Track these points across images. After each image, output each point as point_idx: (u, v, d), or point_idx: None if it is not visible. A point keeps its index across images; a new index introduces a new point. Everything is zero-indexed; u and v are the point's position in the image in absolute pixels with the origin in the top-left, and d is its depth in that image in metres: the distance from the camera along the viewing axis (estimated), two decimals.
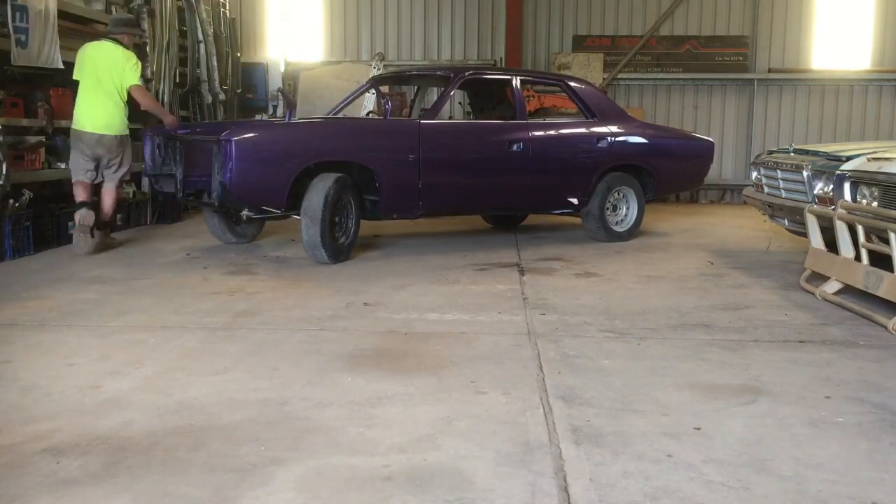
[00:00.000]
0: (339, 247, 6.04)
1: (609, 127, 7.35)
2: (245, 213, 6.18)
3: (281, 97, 6.95)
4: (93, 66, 6.49)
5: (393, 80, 8.21)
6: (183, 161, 6.19)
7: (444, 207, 6.88)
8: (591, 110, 7.41)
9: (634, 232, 7.63)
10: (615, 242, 7.35)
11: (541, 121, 7.57)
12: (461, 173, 6.69)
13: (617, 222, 7.51)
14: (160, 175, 6.52)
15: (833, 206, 4.93)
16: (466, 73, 7.10)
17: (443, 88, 7.22)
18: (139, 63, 6.68)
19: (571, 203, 7.28)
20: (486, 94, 8.36)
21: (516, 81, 7.16)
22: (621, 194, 7.49)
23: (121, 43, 6.62)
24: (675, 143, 7.96)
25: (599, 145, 7.25)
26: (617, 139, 7.34)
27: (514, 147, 6.79)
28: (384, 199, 6.22)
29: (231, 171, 5.55)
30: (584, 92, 7.49)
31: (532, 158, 6.88)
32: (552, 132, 7.15)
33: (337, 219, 5.98)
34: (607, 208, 7.39)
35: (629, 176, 7.47)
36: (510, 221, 8.56)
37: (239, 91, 11.56)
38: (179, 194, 6.30)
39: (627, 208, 7.54)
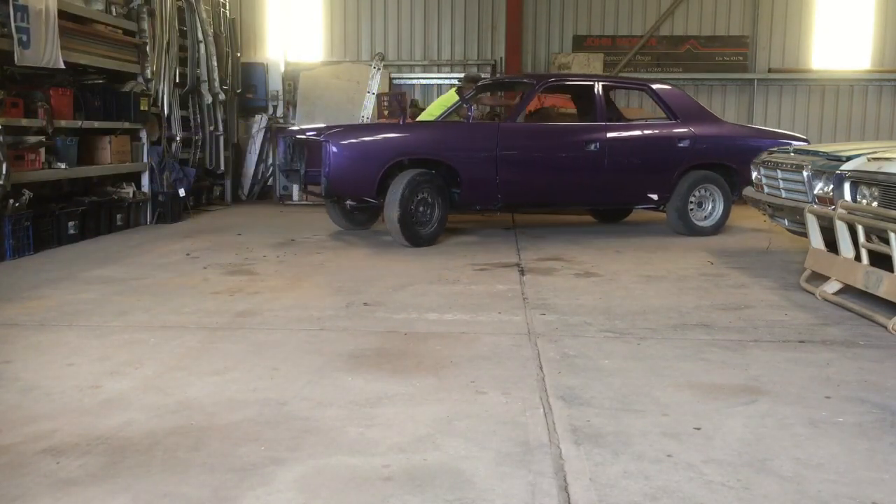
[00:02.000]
0: (418, 233, 6.88)
1: (690, 128, 7.77)
2: (348, 202, 7.44)
3: (395, 103, 8.30)
4: None
5: (491, 87, 8.96)
6: (304, 159, 7.27)
7: (521, 201, 7.56)
8: (673, 112, 7.85)
9: (720, 228, 7.96)
10: (694, 237, 7.70)
11: (619, 123, 8.01)
12: (537, 171, 7.34)
13: (703, 218, 7.90)
14: (289, 170, 7.71)
15: (833, 206, 4.93)
16: (549, 80, 7.84)
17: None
18: None
19: (651, 199, 7.77)
20: (578, 98, 8.94)
21: (597, 87, 7.76)
22: (706, 191, 7.87)
23: None
24: (761, 142, 8.01)
25: (679, 145, 7.69)
26: (698, 139, 7.72)
27: (591, 147, 7.38)
28: (465, 192, 7.06)
29: (329, 167, 6.63)
30: (666, 95, 7.94)
31: (608, 158, 7.44)
32: (628, 133, 7.67)
33: (421, 209, 6.87)
34: (691, 204, 7.81)
35: (715, 174, 7.85)
36: (613, 216, 9.10)
37: (239, 91, 11.57)
38: (302, 185, 7.67)
39: (713, 205, 7.91)
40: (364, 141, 6.91)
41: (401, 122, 7.50)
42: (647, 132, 7.76)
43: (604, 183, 7.51)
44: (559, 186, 7.47)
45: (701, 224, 7.86)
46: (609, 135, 7.48)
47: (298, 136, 7.42)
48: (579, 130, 7.56)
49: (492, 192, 7.17)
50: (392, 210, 6.71)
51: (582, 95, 8.58)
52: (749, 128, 9.05)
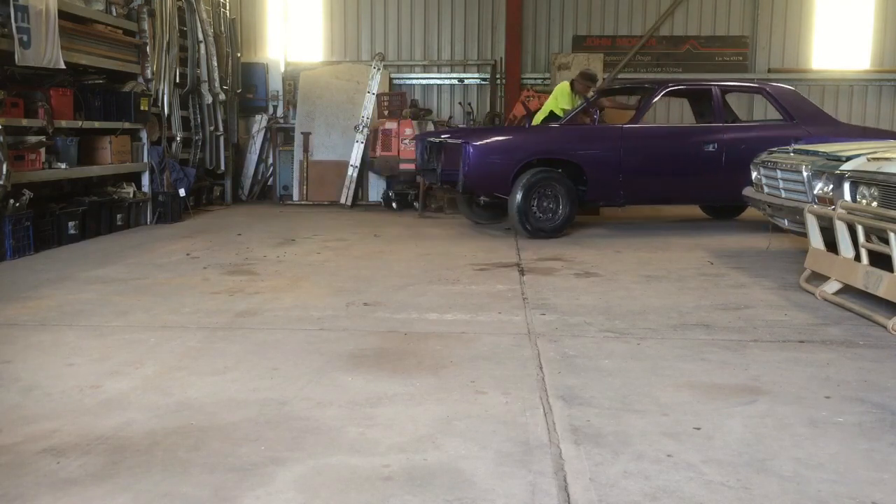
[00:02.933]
0: (539, 225, 7.48)
1: (806, 129, 7.93)
2: (481, 198, 8.22)
3: (522, 107, 8.87)
4: None
5: (616, 91, 9.46)
6: (440, 159, 7.99)
7: (643, 198, 8.12)
8: (789, 113, 8.11)
9: None
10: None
11: (737, 124, 8.43)
12: (657, 169, 7.86)
13: None
14: (426, 169, 8.49)
15: (833, 206, 4.93)
16: (669, 85, 8.32)
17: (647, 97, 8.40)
18: None
19: None
20: (695, 101, 9.37)
21: (714, 90, 8.23)
22: None
23: None
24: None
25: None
26: (813, 140, 7.73)
27: (709, 147, 7.81)
28: (590, 189, 7.67)
29: (468, 166, 7.35)
30: (783, 97, 8.21)
31: (725, 157, 7.82)
32: (745, 134, 7.99)
33: (545, 203, 7.47)
34: None
35: None
36: (727, 213, 9.26)
37: (239, 91, 11.57)
38: (438, 183, 8.23)
39: None
40: (499, 143, 7.74)
41: (527, 125, 8.18)
42: (762, 133, 7.99)
43: (720, 181, 7.84)
44: (678, 184, 7.93)
45: None
46: (726, 136, 7.89)
47: (436, 140, 8.22)
48: (698, 131, 8.05)
49: (615, 189, 7.74)
50: (516, 204, 7.39)
51: (699, 98, 9.04)
52: (864, 128, 9.25)
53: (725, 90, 8.50)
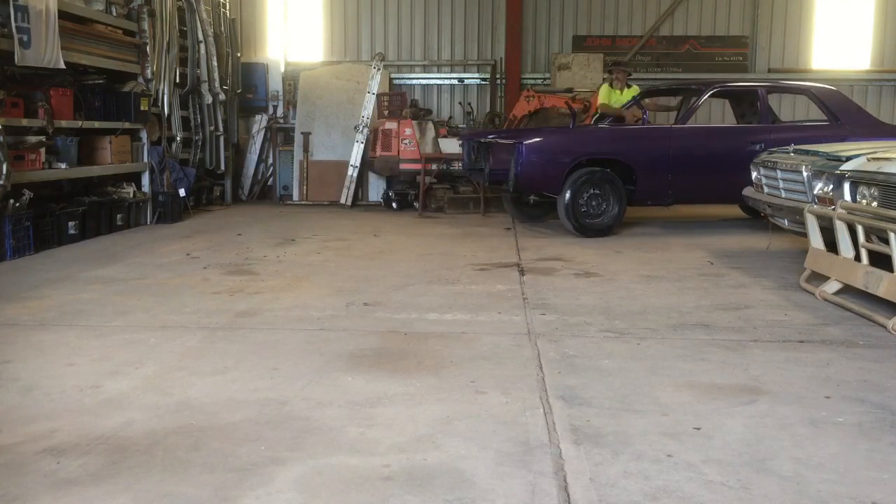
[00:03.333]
0: (587, 224, 7.63)
1: (850, 129, 7.94)
2: (531, 197, 8.44)
3: (568, 108, 9.00)
4: None
5: (660, 93, 9.54)
6: (488, 158, 8.21)
7: (690, 197, 8.22)
8: (835, 115, 8.15)
9: None
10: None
11: (782, 125, 8.57)
12: (705, 169, 7.93)
13: None
14: (473, 169, 8.72)
15: (833, 206, 4.93)
16: (717, 86, 8.41)
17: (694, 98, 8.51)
18: None
19: None
20: (738, 102, 9.48)
21: (760, 91, 8.39)
22: None
23: None
24: None
25: None
26: (857, 140, 7.92)
27: (756, 147, 7.73)
28: (639, 189, 7.79)
29: (521, 165, 7.48)
30: (827, 98, 8.27)
31: None
32: (790, 135, 7.80)
33: (594, 203, 7.63)
34: None
35: None
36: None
37: (239, 91, 11.56)
38: (486, 182, 8.52)
39: None
40: (552, 142, 7.83)
41: (571, 126, 8.41)
42: (808, 133, 7.96)
43: None
44: (725, 183, 7.84)
45: None
46: (773, 136, 7.89)
47: (484, 140, 8.42)
48: (746, 131, 8.14)
49: (664, 188, 7.87)
50: (565, 203, 7.57)
51: (740, 99, 9.17)
52: None
53: (770, 91, 8.60)
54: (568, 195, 7.54)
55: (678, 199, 8.09)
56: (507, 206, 9.13)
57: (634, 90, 9.17)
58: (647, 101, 9.24)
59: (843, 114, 8.15)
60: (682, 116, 8.39)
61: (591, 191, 7.61)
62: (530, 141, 7.64)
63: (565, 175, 7.58)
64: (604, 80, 9.41)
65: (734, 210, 9.38)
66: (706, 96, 8.22)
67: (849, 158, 5.13)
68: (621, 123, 8.63)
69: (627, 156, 7.75)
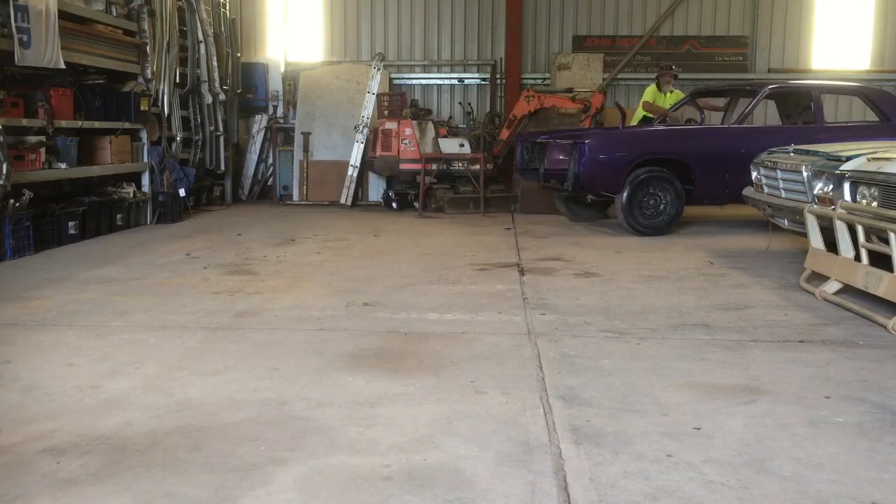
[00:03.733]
0: (646, 223, 7.75)
1: None
2: (589, 196, 8.40)
3: (618, 109, 9.25)
4: None
5: (711, 93, 9.60)
6: (543, 158, 8.33)
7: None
8: (885, 114, 8.24)
9: None
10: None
11: (836, 125, 8.71)
12: None
13: None
14: (526, 169, 8.88)
15: (833, 206, 4.93)
16: (771, 87, 8.49)
17: (750, 99, 8.53)
18: None
19: None
20: (792, 102, 9.43)
21: (815, 91, 8.38)
22: None
23: None
24: None
25: None
26: None
27: None
28: (697, 188, 7.91)
29: (583, 165, 7.61)
30: (879, 99, 8.38)
31: None
32: (846, 136, 7.87)
33: (651, 202, 7.76)
34: None
35: None
36: None
37: (239, 91, 11.56)
38: (541, 182, 8.58)
39: None
40: (614, 142, 7.98)
41: (621, 128, 8.55)
42: (861, 133, 8.05)
43: None
44: None
45: None
46: (829, 136, 7.83)
47: (539, 140, 8.55)
48: (803, 132, 8.03)
49: (721, 188, 7.92)
50: (623, 202, 7.70)
51: (789, 99, 9.19)
52: None
53: (823, 91, 8.65)
54: (626, 194, 7.67)
55: (734, 199, 8.02)
56: (558, 206, 9.31)
57: (678, 95, 9.38)
58: (699, 100, 9.31)
59: (894, 113, 8.23)
60: (739, 117, 8.47)
61: (649, 190, 7.74)
62: (592, 141, 7.78)
63: (625, 174, 7.69)
64: (657, 82, 9.60)
65: (735, 210, 9.38)
66: (761, 97, 8.27)
67: (849, 158, 5.13)
68: (670, 124, 8.77)
69: (686, 155, 7.85)
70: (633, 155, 7.77)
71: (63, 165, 7.16)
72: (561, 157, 8.10)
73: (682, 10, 12.24)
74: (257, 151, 11.98)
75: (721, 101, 9.68)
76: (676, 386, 3.24)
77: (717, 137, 8.09)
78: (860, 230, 4.60)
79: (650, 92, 9.51)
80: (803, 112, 9.12)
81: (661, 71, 9.65)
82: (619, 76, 12.22)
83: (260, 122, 12.00)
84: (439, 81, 12.42)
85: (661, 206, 7.80)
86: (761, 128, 9.19)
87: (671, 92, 9.48)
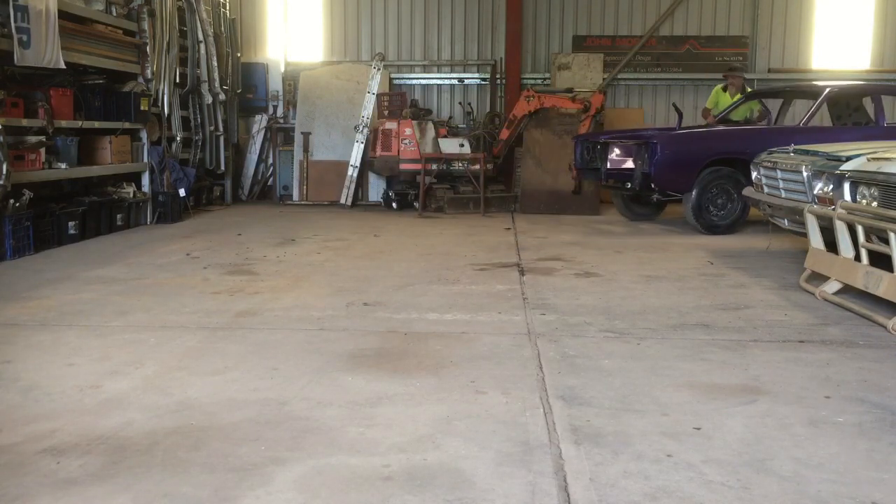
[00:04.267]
0: (713, 222, 7.94)
1: None
2: (655, 196, 8.43)
3: (675, 110, 9.36)
4: None
5: (768, 94, 9.73)
6: (605, 158, 8.42)
7: None
8: None
9: None
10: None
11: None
12: None
13: None
14: (587, 168, 8.99)
15: (833, 206, 4.93)
16: (834, 88, 8.53)
17: (812, 101, 8.62)
18: None
19: None
20: (843, 104, 9.50)
21: (877, 94, 8.47)
22: None
23: None
24: None
25: None
26: None
27: None
28: None
29: (655, 165, 7.68)
30: None
31: None
32: None
33: (719, 201, 7.93)
34: None
35: None
36: None
37: (239, 91, 11.57)
38: (602, 181, 8.77)
39: None
40: (686, 142, 8.11)
41: (677, 128, 8.75)
42: None
43: None
44: None
45: None
46: (893, 138, 7.75)
47: (600, 140, 8.69)
48: (867, 133, 8.14)
49: None
50: (692, 201, 7.86)
51: (841, 100, 9.22)
52: None
53: (884, 93, 8.70)
54: (695, 194, 7.78)
55: None
56: (616, 205, 9.49)
57: (738, 96, 9.47)
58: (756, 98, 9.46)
59: None
60: (805, 117, 8.51)
61: (716, 189, 7.89)
62: (664, 141, 7.87)
63: (696, 173, 7.81)
64: (725, 85, 9.76)
65: None
66: (824, 98, 8.32)
67: (849, 158, 5.13)
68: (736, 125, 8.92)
69: (752, 155, 7.81)
70: (705, 154, 7.89)
71: (63, 165, 7.16)
72: (624, 157, 8.20)
73: (682, 10, 12.24)
74: (257, 151, 11.98)
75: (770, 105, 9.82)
76: (676, 386, 3.24)
77: (784, 138, 7.99)
78: (860, 230, 4.60)
79: (715, 93, 9.67)
80: (853, 113, 9.18)
81: (729, 73, 9.78)
82: (619, 76, 12.22)
83: (260, 122, 12.00)
84: (439, 81, 12.42)
85: (728, 206, 7.93)
86: (828, 129, 9.14)
87: (736, 95, 9.55)
